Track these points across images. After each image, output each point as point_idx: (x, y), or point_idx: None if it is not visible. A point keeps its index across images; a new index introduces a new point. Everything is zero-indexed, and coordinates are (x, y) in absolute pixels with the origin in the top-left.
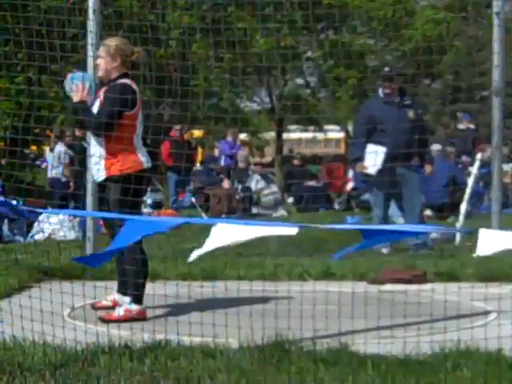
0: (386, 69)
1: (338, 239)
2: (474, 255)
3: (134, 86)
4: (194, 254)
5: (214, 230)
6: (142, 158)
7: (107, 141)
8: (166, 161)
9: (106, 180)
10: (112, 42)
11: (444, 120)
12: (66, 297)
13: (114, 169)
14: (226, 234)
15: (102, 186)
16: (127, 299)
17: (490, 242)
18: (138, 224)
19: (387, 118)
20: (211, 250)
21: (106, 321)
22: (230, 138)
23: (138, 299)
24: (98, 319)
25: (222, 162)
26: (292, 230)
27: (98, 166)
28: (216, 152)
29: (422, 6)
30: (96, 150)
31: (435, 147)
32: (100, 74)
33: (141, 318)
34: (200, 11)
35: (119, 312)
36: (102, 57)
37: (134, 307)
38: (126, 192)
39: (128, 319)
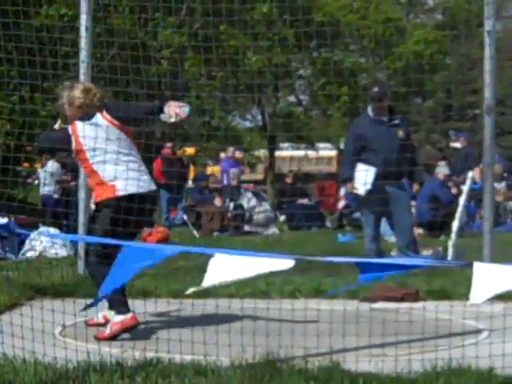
0: (375, 89)
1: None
2: (468, 303)
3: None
4: (192, 289)
5: (212, 262)
6: None
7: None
8: (157, 178)
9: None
10: (71, 92)
11: (435, 138)
12: (57, 315)
13: None
14: (224, 269)
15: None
16: (112, 313)
17: (485, 282)
18: (134, 251)
19: (376, 137)
20: (209, 286)
21: (99, 339)
22: (230, 156)
23: (119, 309)
24: (94, 338)
25: (225, 181)
26: (288, 263)
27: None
28: (209, 170)
29: (413, 24)
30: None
31: (441, 169)
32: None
33: (132, 324)
34: (191, 29)
35: (108, 330)
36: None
37: (119, 318)
38: None
39: (119, 332)
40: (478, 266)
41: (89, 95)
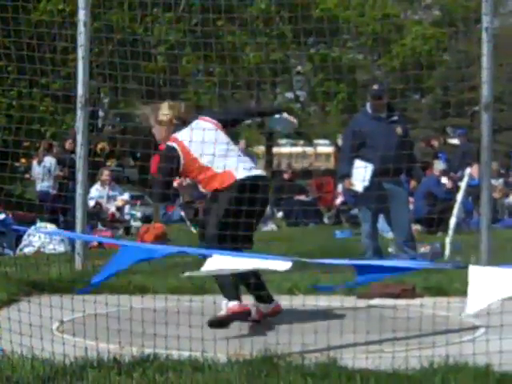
0: (375, 86)
1: (327, 255)
2: (463, 315)
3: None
4: (188, 273)
5: (209, 260)
6: None
7: None
8: (155, 174)
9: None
10: (157, 112)
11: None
12: (54, 310)
13: None
14: (220, 264)
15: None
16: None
17: (480, 290)
18: (132, 250)
19: (375, 134)
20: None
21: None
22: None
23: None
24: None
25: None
26: (285, 265)
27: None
28: None
29: (411, 21)
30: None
31: (438, 166)
32: None
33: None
34: (189, 25)
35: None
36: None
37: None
38: None
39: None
40: (473, 270)
41: (174, 109)
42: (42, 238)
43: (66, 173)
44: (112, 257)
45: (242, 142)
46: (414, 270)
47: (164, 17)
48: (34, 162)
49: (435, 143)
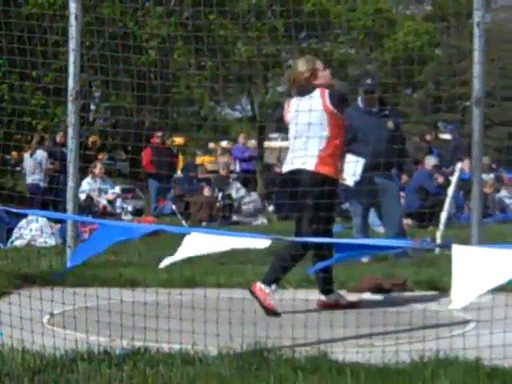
0: (368, 81)
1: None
2: (450, 307)
3: None
4: (166, 261)
5: (186, 238)
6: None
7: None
8: (147, 168)
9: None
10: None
11: (422, 129)
12: (45, 303)
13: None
14: (198, 243)
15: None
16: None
17: (465, 282)
18: (111, 229)
19: (366, 128)
20: (183, 258)
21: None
22: (240, 143)
23: (326, 291)
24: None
25: (238, 168)
26: (265, 243)
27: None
28: (198, 159)
29: (403, 16)
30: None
31: (430, 161)
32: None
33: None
34: (181, 19)
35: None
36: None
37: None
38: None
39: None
40: (457, 250)
41: None
42: (32, 230)
43: (57, 166)
44: (90, 237)
45: (242, 137)
46: (393, 248)
47: (155, 10)
48: (26, 155)
49: (428, 138)
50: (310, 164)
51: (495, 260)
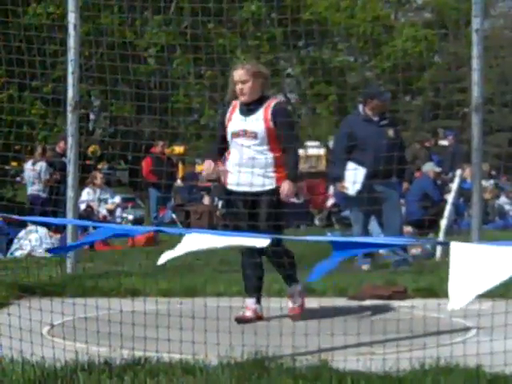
0: (387, 95)
1: (318, 255)
2: (448, 307)
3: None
4: (164, 257)
5: (186, 237)
6: None
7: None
8: (147, 177)
9: (268, 192)
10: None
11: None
12: (45, 314)
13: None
14: (197, 241)
15: (244, 195)
16: (297, 286)
17: (463, 281)
18: (111, 228)
19: (367, 136)
20: (181, 254)
21: (295, 317)
22: None
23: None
24: (290, 317)
25: None
26: (263, 242)
27: (264, 178)
28: (197, 168)
29: (402, 22)
30: (255, 160)
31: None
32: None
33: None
34: (180, 28)
35: (298, 302)
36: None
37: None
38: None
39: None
40: (455, 247)
41: None
42: (32, 241)
43: (57, 176)
44: (89, 233)
45: None
46: (391, 246)
47: (154, 19)
48: (25, 165)
49: (427, 144)
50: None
51: (494, 257)
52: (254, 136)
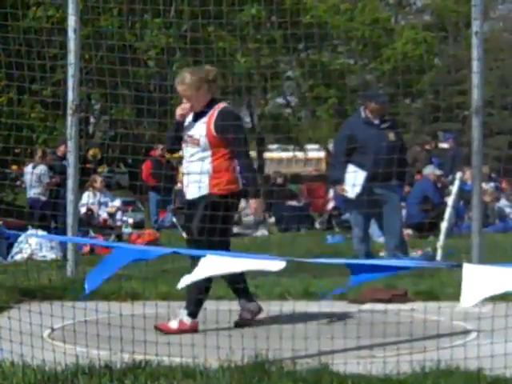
0: (373, 91)
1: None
2: (459, 306)
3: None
4: (183, 281)
5: (203, 260)
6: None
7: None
8: (147, 180)
9: (202, 198)
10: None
11: (424, 139)
12: (45, 318)
13: (218, 188)
14: (214, 264)
15: (192, 203)
16: (184, 312)
17: (474, 285)
18: (125, 251)
19: (367, 139)
20: (200, 278)
21: (162, 331)
22: None
23: (193, 314)
24: (154, 328)
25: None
26: (279, 265)
27: (200, 184)
28: None
29: (402, 25)
30: (197, 166)
31: (428, 170)
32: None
33: (192, 330)
34: (180, 30)
35: (174, 324)
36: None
37: (188, 320)
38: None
39: (180, 332)
40: (467, 268)
41: None
42: (32, 245)
43: (57, 179)
44: (104, 259)
45: None
46: (409, 268)
47: (154, 23)
48: (26, 169)
49: (428, 147)
50: None
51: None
52: (197, 143)
